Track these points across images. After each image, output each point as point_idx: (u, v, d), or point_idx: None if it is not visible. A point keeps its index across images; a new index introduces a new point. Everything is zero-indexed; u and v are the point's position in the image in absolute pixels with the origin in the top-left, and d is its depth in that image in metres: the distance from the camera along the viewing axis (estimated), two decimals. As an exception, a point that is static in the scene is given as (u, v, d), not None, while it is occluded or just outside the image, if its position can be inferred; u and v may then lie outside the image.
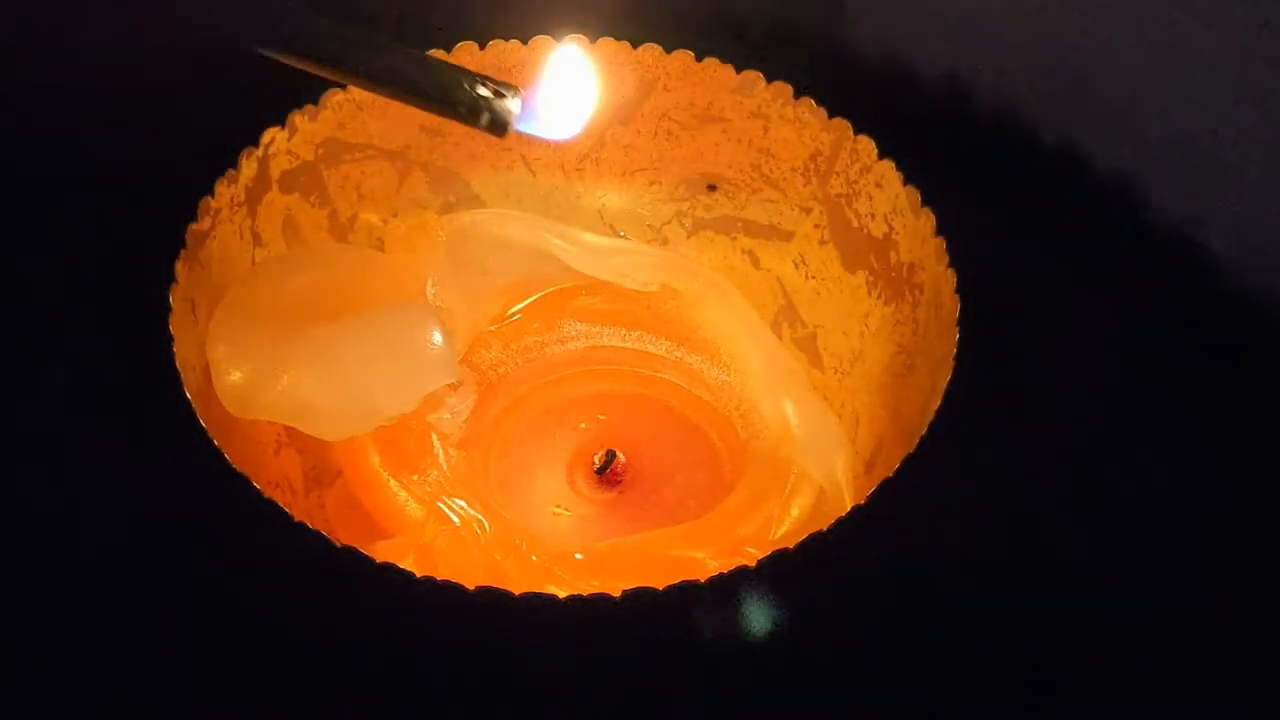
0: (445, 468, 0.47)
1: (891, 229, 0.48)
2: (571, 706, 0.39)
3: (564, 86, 0.46)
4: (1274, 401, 0.47)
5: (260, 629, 0.40)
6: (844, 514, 0.40)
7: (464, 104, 0.40)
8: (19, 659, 0.40)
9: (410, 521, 0.46)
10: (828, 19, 0.52)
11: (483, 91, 0.40)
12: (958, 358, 0.43)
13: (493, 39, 0.49)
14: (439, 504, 0.46)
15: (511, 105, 0.40)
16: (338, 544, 0.38)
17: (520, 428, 0.51)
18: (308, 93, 0.47)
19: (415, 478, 0.47)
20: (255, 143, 0.47)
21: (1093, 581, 0.43)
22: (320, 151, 0.49)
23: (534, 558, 0.45)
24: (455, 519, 0.46)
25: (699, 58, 0.49)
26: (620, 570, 0.44)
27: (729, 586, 0.38)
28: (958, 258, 0.45)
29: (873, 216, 0.48)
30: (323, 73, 0.41)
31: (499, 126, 0.40)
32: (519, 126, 0.42)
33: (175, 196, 0.45)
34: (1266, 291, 0.49)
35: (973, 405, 0.42)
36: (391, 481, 0.46)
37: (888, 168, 0.47)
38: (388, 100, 0.48)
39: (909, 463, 0.41)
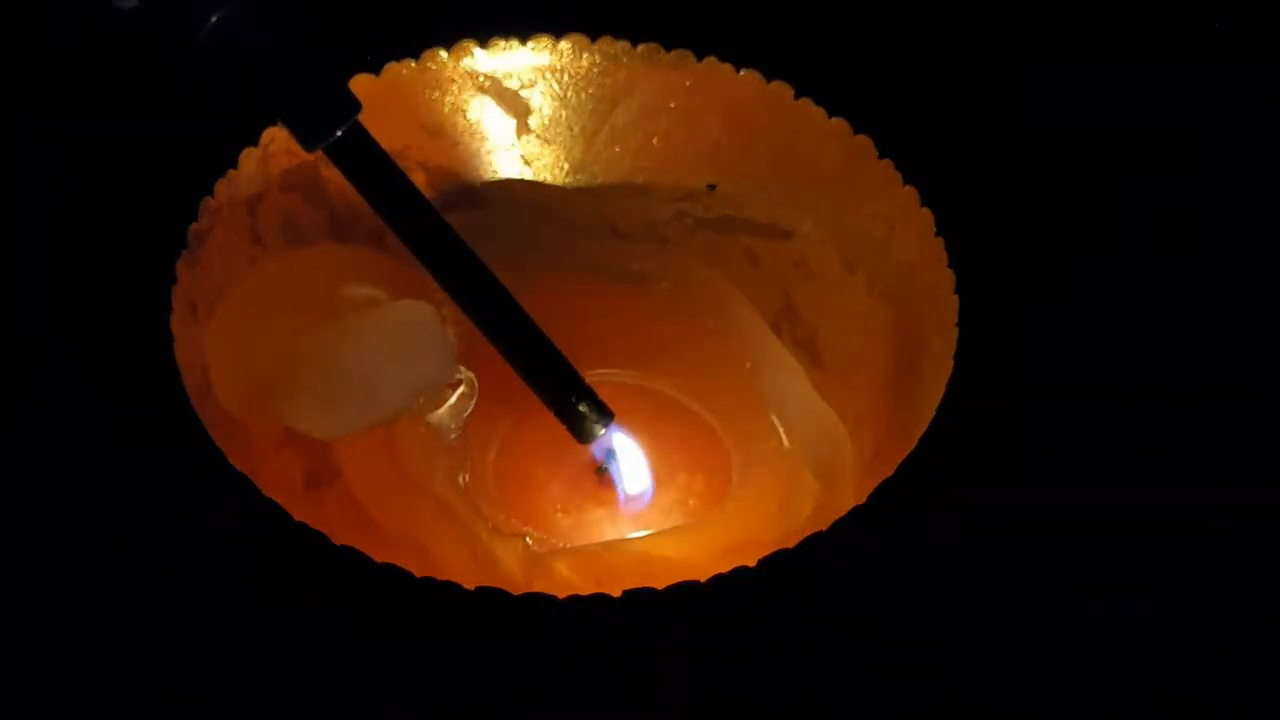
0: (445, 467, 0.47)
1: (891, 229, 0.48)
2: (572, 706, 0.39)
3: (640, 464, 0.49)
4: (1276, 399, 0.47)
5: (260, 629, 0.40)
6: (844, 514, 0.40)
7: (561, 407, 0.45)
8: (17, 659, 0.40)
9: (410, 521, 0.46)
10: (829, 19, 0.52)
11: (581, 408, 0.45)
12: (958, 358, 0.43)
13: (493, 38, 0.49)
14: (439, 504, 0.46)
15: (599, 430, 0.45)
16: (338, 544, 0.38)
17: (521, 427, 0.51)
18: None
19: (415, 478, 0.46)
20: (255, 143, 0.47)
21: (1093, 582, 0.43)
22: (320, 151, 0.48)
23: (535, 557, 0.45)
24: (456, 519, 0.46)
25: (699, 57, 0.49)
26: (620, 570, 0.44)
27: (729, 586, 0.38)
28: (958, 258, 0.45)
29: (873, 216, 0.48)
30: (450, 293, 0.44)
31: (580, 439, 0.45)
32: (595, 451, 0.47)
33: (175, 196, 0.45)
34: (1271, 291, 0.49)
35: (973, 405, 0.42)
36: (391, 482, 0.46)
37: (888, 168, 0.47)
38: (386, 100, 0.49)
39: (909, 463, 0.41)
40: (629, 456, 0.49)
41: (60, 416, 0.44)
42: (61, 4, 0.51)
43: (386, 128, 0.49)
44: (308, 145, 0.41)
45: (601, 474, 0.49)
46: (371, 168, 0.42)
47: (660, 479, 0.50)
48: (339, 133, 0.41)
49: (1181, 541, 0.44)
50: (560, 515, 0.49)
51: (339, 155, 0.42)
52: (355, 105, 0.41)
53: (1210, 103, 0.53)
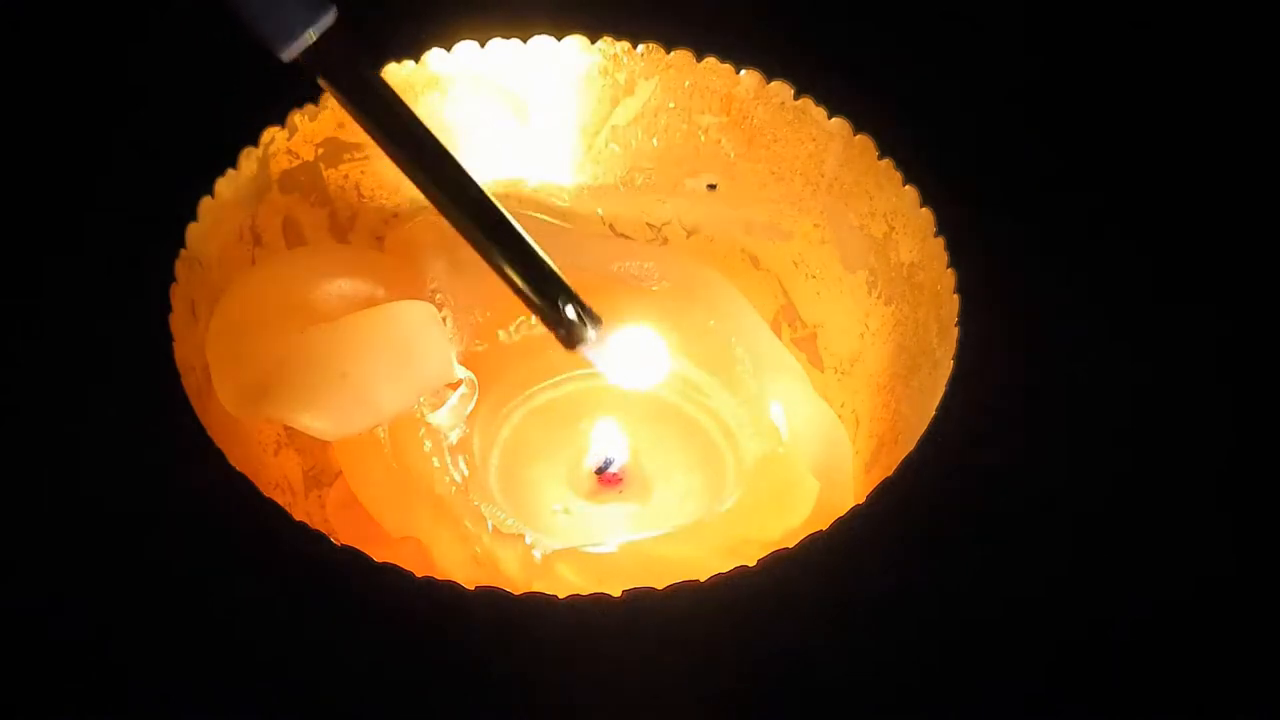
0: (445, 467, 0.47)
1: (891, 229, 0.48)
2: (572, 706, 0.39)
3: (637, 351, 0.48)
4: (1276, 404, 0.47)
5: (260, 629, 0.40)
6: (844, 514, 0.40)
7: (550, 314, 0.43)
8: (17, 658, 0.40)
9: (410, 521, 0.46)
10: (829, 19, 0.52)
11: (570, 313, 0.43)
12: (957, 358, 0.43)
13: (493, 38, 0.49)
14: (439, 504, 0.46)
15: (589, 334, 0.44)
16: (338, 544, 0.38)
17: (520, 428, 0.51)
18: (308, 92, 0.47)
19: (415, 478, 0.47)
20: (255, 143, 0.47)
21: (1093, 582, 0.43)
22: (320, 151, 0.49)
23: (535, 556, 0.45)
24: (456, 519, 0.46)
25: (699, 57, 0.49)
26: (620, 570, 0.44)
27: (729, 586, 0.38)
28: (958, 258, 0.45)
29: (873, 216, 0.48)
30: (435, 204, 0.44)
31: (568, 345, 0.44)
32: (586, 353, 0.45)
33: (175, 196, 0.45)
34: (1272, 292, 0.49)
35: (973, 405, 0.42)
36: (391, 481, 0.46)
37: (888, 168, 0.47)
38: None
39: (909, 463, 0.41)
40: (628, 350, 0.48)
41: (60, 416, 0.44)
42: None
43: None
44: (279, 49, 0.41)
45: (601, 474, 0.49)
46: (349, 76, 0.42)
47: (660, 479, 0.50)
48: (313, 36, 0.41)
49: (1182, 541, 0.44)
50: (560, 515, 0.49)
51: (316, 64, 0.41)
52: (328, 5, 0.41)
53: (1210, 102, 0.53)
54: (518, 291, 0.44)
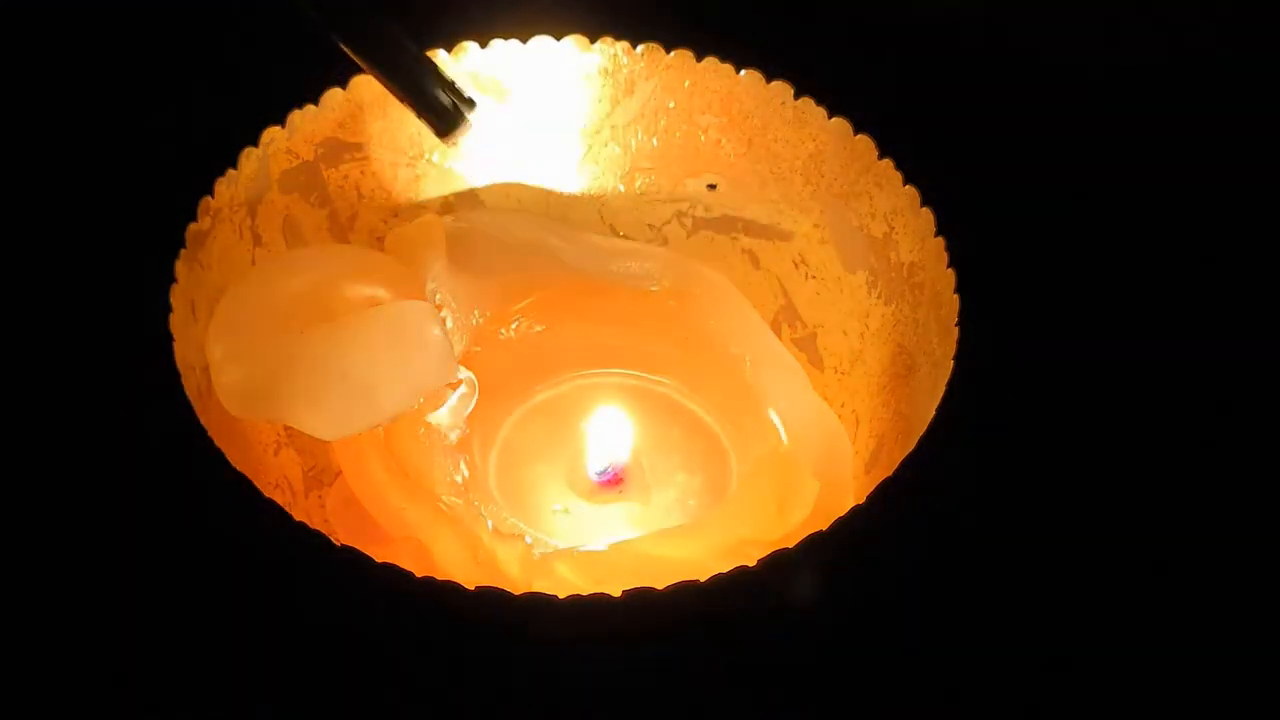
0: (445, 467, 0.47)
1: (891, 229, 0.48)
2: (571, 706, 0.39)
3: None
4: (1276, 404, 0.47)
5: (260, 629, 0.40)
6: (844, 514, 0.40)
7: (421, 102, 0.42)
8: (18, 658, 0.40)
9: (410, 521, 0.46)
10: (829, 19, 0.52)
11: (443, 99, 0.43)
12: (958, 358, 0.43)
13: (493, 39, 0.49)
14: (439, 504, 0.46)
15: (465, 119, 0.43)
16: (338, 544, 0.38)
17: (520, 428, 0.51)
18: (308, 93, 0.47)
19: (415, 478, 0.47)
20: (255, 143, 0.47)
21: (1094, 582, 0.43)
22: (320, 151, 0.49)
23: (535, 557, 0.45)
24: (456, 519, 0.46)
25: (699, 57, 0.49)
26: (620, 570, 0.44)
27: (729, 586, 0.38)
28: (958, 258, 0.45)
29: (873, 216, 0.48)
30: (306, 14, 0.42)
31: (442, 133, 0.44)
32: (462, 139, 0.45)
33: (175, 196, 0.45)
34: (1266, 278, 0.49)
35: (973, 405, 0.42)
36: (391, 481, 0.46)
37: (888, 168, 0.47)
38: (388, 100, 0.49)
39: (909, 463, 0.41)
40: None
41: (60, 416, 0.44)
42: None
43: (387, 128, 0.49)
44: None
45: (601, 473, 0.49)
46: None
47: (660, 479, 0.50)
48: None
49: (1183, 540, 0.44)
50: (560, 515, 0.49)
51: None
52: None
53: (1207, 102, 0.53)
54: (388, 84, 0.43)
